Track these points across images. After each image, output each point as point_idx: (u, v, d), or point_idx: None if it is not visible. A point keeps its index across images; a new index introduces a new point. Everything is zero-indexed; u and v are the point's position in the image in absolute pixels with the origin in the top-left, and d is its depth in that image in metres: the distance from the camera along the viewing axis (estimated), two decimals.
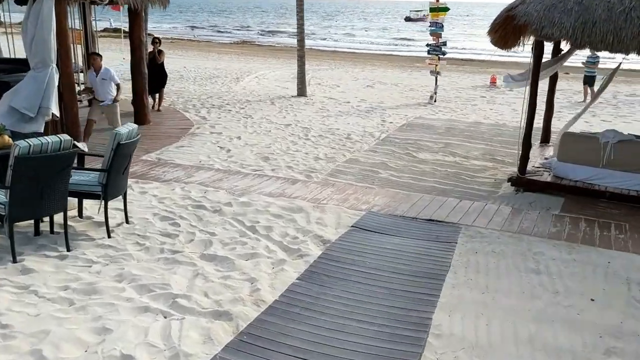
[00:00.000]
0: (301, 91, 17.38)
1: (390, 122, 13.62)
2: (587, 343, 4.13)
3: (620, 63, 9.27)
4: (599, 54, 9.28)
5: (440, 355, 3.85)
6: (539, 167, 8.74)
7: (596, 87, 17.99)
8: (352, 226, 6.34)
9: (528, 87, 8.14)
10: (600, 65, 18.18)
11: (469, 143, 11.66)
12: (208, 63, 27.55)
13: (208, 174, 8.43)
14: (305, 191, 7.78)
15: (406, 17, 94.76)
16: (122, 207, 6.33)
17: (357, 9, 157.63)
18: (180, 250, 5.44)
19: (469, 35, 66.25)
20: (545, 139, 10.51)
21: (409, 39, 55.91)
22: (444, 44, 17.27)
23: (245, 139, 11.17)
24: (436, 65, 17.28)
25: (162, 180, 8.01)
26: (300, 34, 17.27)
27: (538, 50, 7.77)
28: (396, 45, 50.75)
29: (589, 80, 18.35)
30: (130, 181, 7.07)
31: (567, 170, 8.15)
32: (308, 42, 17.72)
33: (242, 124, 12.59)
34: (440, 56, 17.23)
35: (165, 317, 4.16)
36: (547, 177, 8.32)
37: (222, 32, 67.01)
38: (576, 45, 7.14)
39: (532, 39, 7.80)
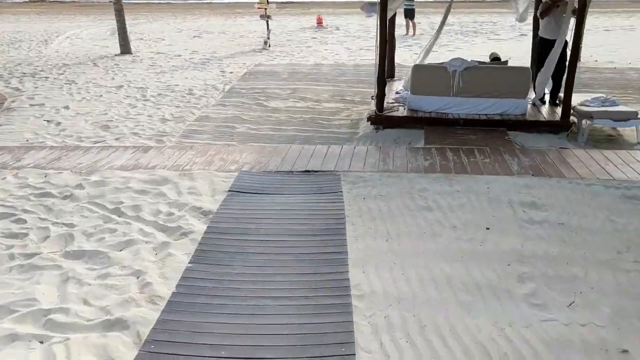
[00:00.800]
0: (125, 48, 15.85)
1: (231, 72, 12.93)
2: (500, 274, 4.13)
3: None
4: None
5: (370, 318, 3.57)
6: (392, 103, 8.77)
7: (416, 20, 18.78)
8: (229, 191, 5.77)
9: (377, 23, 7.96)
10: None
11: (315, 86, 11.45)
12: (3, 26, 24.12)
13: (41, 153, 7.21)
14: (162, 158, 6.96)
15: None
16: None
17: None
18: (37, 252, 4.47)
19: None
20: (391, 73, 10.60)
21: None
22: None
23: (74, 108, 9.83)
24: (266, 9, 16.72)
25: None
26: None
27: None
28: None
29: (409, 14, 19.06)
30: None
31: (421, 103, 8.25)
32: None
33: (67, 92, 11.09)
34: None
35: (42, 343, 3.32)
36: (403, 112, 8.37)
37: None
38: None
39: None
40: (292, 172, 6.44)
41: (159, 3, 39.76)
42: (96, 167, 6.60)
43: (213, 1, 39.92)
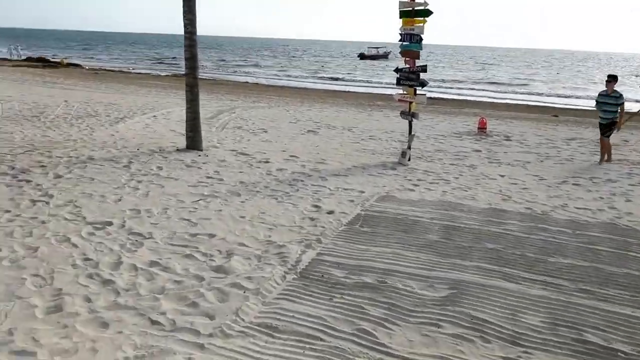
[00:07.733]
0: (192, 142, 10.56)
1: (330, 212, 6.87)
2: None
3: None
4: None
5: None
6: None
7: (613, 139, 11.25)
8: None
9: None
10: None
11: (505, 281, 4.97)
12: (108, 96, 20.67)
13: None
14: None
15: (360, 53, 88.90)
16: None
17: (310, 49, 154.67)
18: None
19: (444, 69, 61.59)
20: None
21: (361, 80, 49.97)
22: (424, 68, 10.61)
23: None
24: (410, 102, 10.65)
25: None
26: (191, 49, 10.42)
27: None
28: (352, 82, 44.58)
29: (604, 128, 11.49)
30: None
31: None
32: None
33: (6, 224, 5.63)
34: (418, 88, 10.61)
35: None
36: None
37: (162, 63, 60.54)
38: None
39: None
40: None
41: (296, 87, 35.97)
42: None
43: (357, 90, 35.30)
